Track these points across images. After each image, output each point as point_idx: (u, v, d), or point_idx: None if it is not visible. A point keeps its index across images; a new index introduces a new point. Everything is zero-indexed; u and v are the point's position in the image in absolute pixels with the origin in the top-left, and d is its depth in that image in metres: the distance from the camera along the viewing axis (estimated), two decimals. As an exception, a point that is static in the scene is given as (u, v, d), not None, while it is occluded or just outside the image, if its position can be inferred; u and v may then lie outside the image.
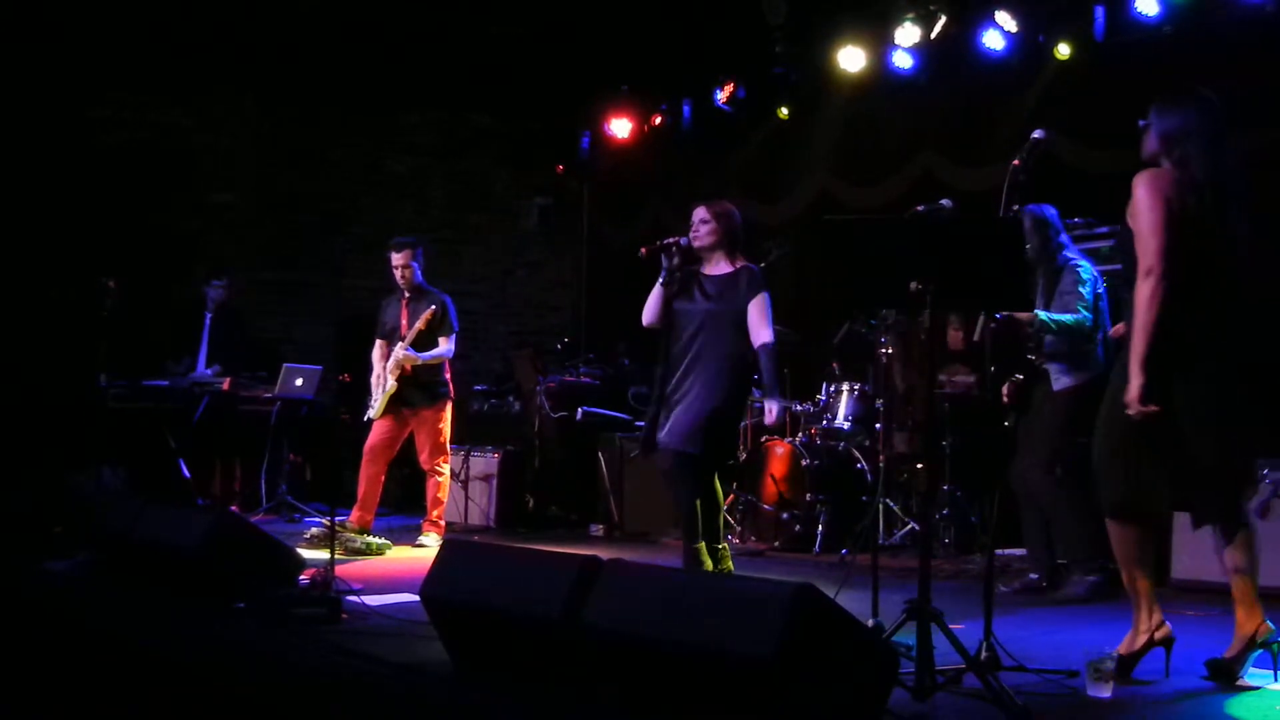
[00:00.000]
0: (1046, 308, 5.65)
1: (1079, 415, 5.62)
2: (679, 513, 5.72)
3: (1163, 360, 3.90)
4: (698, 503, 5.54)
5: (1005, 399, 5.51)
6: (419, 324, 7.39)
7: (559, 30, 10.08)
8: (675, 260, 5.74)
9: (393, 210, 10.98)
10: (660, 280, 5.75)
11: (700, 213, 5.78)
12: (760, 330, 5.60)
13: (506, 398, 9.98)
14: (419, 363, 7.42)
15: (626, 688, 3.48)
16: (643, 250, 5.89)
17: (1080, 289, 5.62)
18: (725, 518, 7.96)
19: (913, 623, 3.78)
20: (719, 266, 5.75)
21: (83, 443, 8.19)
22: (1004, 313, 5.39)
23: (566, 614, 3.56)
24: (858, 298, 4.92)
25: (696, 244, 5.73)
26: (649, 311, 5.81)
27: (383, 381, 7.53)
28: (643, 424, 8.82)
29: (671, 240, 5.77)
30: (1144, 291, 3.90)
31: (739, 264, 5.74)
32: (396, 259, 7.55)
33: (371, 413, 7.55)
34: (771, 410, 5.72)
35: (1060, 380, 5.74)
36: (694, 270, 5.79)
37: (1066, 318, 5.57)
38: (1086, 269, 5.68)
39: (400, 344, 7.42)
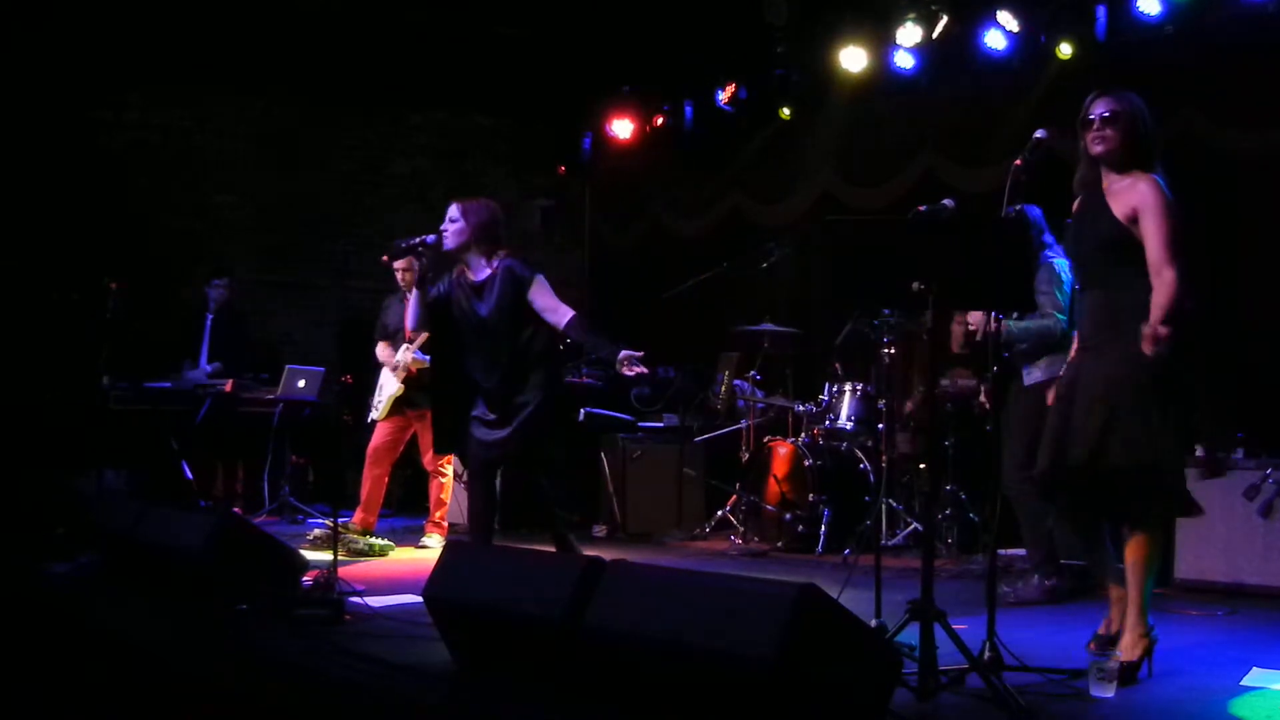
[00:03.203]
0: None
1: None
2: (475, 512, 5.67)
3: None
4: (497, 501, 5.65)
5: (984, 399, 5.51)
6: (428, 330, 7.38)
7: (561, 31, 10.07)
8: (424, 260, 5.54)
9: (394, 211, 10.98)
10: (414, 283, 5.60)
11: (450, 211, 5.53)
12: (556, 313, 5.41)
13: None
14: (425, 365, 7.42)
15: (629, 689, 3.48)
16: (384, 257, 5.77)
17: (1055, 290, 5.64)
18: (726, 517, 8.06)
19: (915, 623, 3.78)
20: (479, 271, 5.51)
21: (85, 444, 8.19)
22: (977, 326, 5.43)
23: (569, 615, 3.56)
24: (860, 298, 4.92)
25: (446, 246, 5.47)
26: (411, 317, 5.64)
27: (388, 379, 7.54)
28: (649, 424, 8.96)
29: (416, 240, 5.51)
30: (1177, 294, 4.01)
31: (497, 262, 5.48)
32: (399, 262, 7.53)
33: (375, 414, 7.56)
34: (624, 353, 5.38)
35: (1030, 375, 5.74)
36: (460, 274, 5.56)
37: (1032, 324, 5.59)
38: (1062, 265, 5.67)
39: (406, 347, 7.41)
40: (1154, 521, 4.14)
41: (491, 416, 5.52)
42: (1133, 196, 4.09)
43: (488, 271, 5.49)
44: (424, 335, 7.38)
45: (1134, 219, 4.08)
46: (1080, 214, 4.31)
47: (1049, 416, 4.33)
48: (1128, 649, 4.10)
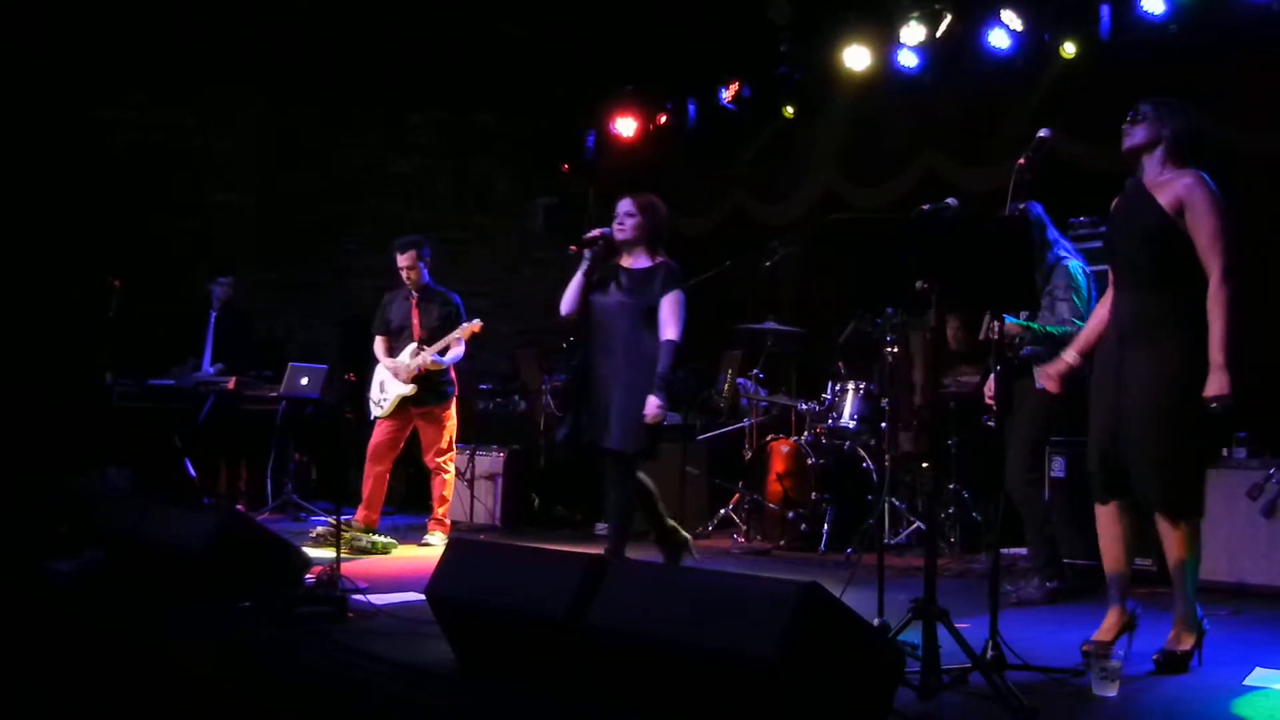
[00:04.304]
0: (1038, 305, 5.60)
1: (1059, 414, 5.61)
2: (616, 513, 5.70)
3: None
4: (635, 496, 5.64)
5: (986, 397, 5.48)
6: (460, 334, 7.41)
7: (564, 30, 10.08)
8: (599, 250, 5.74)
9: (397, 210, 10.98)
10: (582, 270, 5.74)
11: (625, 205, 5.76)
12: (667, 326, 5.59)
13: (512, 396, 9.99)
14: (442, 367, 7.44)
15: (632, 687, 3.48)
16: (572, 248, 5.87)
17: (1073, 295, 5.51)
18: (729, 516, 8.07)
19: (918, 622, 3.78)
20: (638, 260, 5.73)
21: (88, 442, 8.19)
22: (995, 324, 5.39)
23: (572, 613, 3.57)
24: (862, 297, 4.92)
25: (619, 236, 5.71)
26: (568, 301, 5.78)
27: (393, 377, 7.53)
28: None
29: (599, 233, 5.75)
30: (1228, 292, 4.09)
31: (659, 259, 5.72)
32: (402, 260, 7.54)
33: (379, 412, 7.56)
34: (652, 404, 5.49)
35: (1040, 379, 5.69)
36: (614, 263, 5.76)
37: (1055, 329, 5.48)
38: (1077, 267, 5.59)
39: (427, 350, 7.40)
40: (1195, 515, 4.19)
41: (590, 410, 5.61)
42: (1178, 189, 4.13)
43: (648, 264, 5.70)
44: (453, 339, 7.40)
45: (1180, 211, 4.12)
46: (1119, 211, 4.34)
47: (1092, 419, 4.33)
48: (1177, 640, 4.18)
